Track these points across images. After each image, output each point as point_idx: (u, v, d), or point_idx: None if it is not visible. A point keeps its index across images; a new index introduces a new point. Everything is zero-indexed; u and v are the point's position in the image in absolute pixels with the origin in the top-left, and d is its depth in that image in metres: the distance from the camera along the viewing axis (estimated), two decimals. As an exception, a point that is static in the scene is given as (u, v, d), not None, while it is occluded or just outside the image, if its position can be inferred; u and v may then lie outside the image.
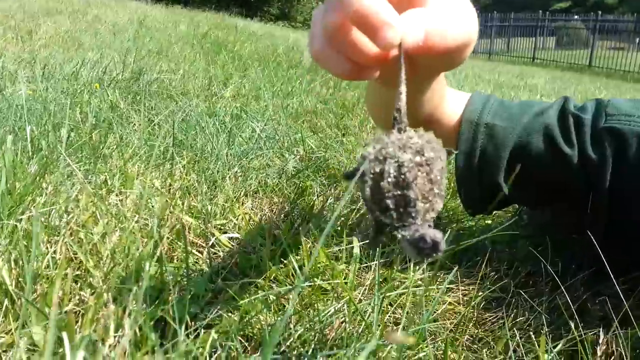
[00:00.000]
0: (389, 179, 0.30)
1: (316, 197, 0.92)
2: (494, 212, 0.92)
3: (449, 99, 0.67)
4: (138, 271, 0.51)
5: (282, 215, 0.85)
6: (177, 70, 1.97)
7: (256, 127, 1.22)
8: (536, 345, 0.51)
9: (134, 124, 1.11)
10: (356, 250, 0.69)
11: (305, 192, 0.94)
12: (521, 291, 0.65)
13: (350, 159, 1.16)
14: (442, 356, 0.46)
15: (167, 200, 0.75)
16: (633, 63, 11.96)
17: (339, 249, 0.72)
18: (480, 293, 0.65)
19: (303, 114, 1.58)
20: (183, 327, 0.41)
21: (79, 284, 0.53)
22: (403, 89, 0.32)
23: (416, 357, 0.47)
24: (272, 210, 0.87)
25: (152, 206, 0.72)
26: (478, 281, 0.66)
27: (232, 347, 0.43)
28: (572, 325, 0.55)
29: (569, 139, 0.64)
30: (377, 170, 0.30)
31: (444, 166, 0.32)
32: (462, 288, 0.69)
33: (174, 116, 1.16)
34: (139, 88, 1.44)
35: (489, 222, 0.95)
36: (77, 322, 0.46)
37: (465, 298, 0.67)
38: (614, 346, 0.53)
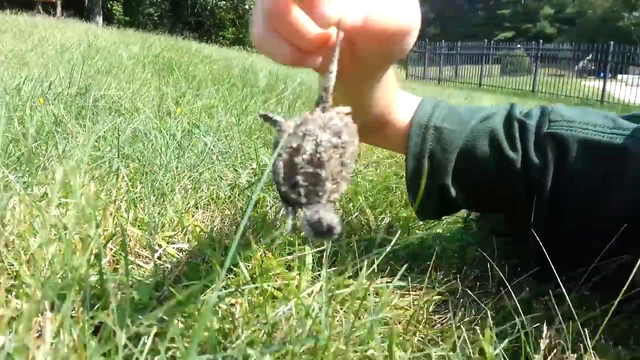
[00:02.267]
0: (304, 156, 0.30)
1: (269, 208, 0.92)
2: (443, 220, 0.94)
3: (401, 103, 0.68)
4: (78, 280, 0.49)
5: (234, 227, 0.83)
6: (127, 89, 1.93)
7: (208, 141, 1.21)
8: (482, 341, 0.52)
9: (78, 138, 1.08)
10: (309, 259, 0.69)
11: (258, 204, 0.93)
12: (470, 291, 0.66)
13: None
14: (388, 354, 0.46)
15: (111, 212, 0.72)
16: (573, 89, 12.71)
17: (291, 258, 0.71)
18: (428, 297, 0.66)
19: (257, 131, 1.58)
20: (123, 330, 0.39)
21: (13, 293, 0.50)
22: (334, 68, 0.32)
23: (364, 355, 0.47)
24: (224, 222, 0.85)
25: (95, 218, 0.69)
26: (426, 285, 0.67)
27: (175, 349, 0.42)
28: (518, 322, 0.56)
29: (514, 144, 0.67)
30: (294, 145, 0.31)
31: (355, 151, 0.33)
32: (413, 293, 0.70)
33: (120, 130, 1.13)
34: (85, 103, 1.40)
35: (439, 230, 0.97)
36: (10, 330, 0.44)
37: (415, 302, 0.67)
38: (556, 340, 0.55)
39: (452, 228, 0.97)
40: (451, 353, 0.51)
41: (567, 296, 0.58)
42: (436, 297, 0.67)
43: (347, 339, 0.45)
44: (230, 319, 0.51)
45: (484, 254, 0.73)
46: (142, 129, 1.17)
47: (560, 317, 0.56)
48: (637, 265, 0.52)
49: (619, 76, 12.63)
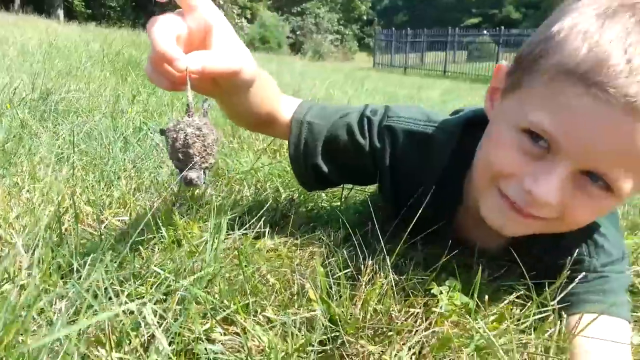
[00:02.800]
0: (179, 142, 0.56)
1: (200, 190, 1.15)
2: (328, 191, 1.20)
3: (283, 105, 0.93)
4: (42, 237, 0.73)
5: (169, 205, 1.07)
6: (85, 90, 2.13)
7: (154, 137, 1.44)
8: (318, 267, 0.77)
9: (42, 138, 1.29)
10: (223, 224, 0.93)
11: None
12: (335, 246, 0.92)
13: (235, 162, 1.40)
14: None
15: (66, 193, 0.95)
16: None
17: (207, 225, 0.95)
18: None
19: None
20: (77, 269, 0.63)
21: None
22: (189, 92, 0.58)
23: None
24: (162, 201, 1.09)
25: (56, 198, 0.92)
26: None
27: (111, 282, 0.66)
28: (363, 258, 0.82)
29: (363, 133, 0.92)
30: (174, 136, 0.57)
31: (215, 139, 0.58)
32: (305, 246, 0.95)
33: (77, 130, 1.35)
34: (46, 107, 1.61)
35: (338, 204, 1.23)
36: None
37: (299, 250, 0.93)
38: (380, 275, 0.81)
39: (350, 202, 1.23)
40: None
41: (416, 250, 0.84)
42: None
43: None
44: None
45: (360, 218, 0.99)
46: (96, 128, 1.39)
47: (387, 255, 0.82)
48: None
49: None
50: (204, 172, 0.61)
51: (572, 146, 0.63)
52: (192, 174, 0.58)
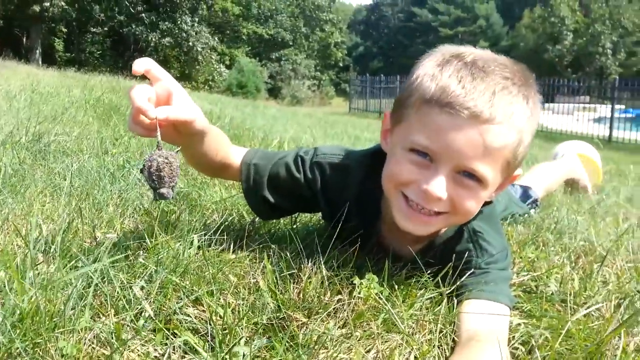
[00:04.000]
0: (153, 168, 0.80)
1: (176, 215, 1.37)
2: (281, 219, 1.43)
3: (233, 153, 1.17)
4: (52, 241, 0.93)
5: (150, 227, 1.28)
6: (71, 133, 2.35)
7: (136, 173, 1.66)
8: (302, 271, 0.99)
9: (38, 174, 1.50)
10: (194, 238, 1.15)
11: (169, 213, 1.39)
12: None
13: (206, 193, 1.63)
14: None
15: (67, 215, 1.16)
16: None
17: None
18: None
19: (180, 165, 2.03)
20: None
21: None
22: (159, 136, 0.82)
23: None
24: (143, 224, 1.30)
25: (58, 219, 1.13)
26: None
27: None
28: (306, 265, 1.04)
29: (298, 169, 1.16)
30: (149, 164, 0.80)
31: (178, 165, 0.82)
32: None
33: (69, 167, 1.56)
34: (40, 148, 1.82)
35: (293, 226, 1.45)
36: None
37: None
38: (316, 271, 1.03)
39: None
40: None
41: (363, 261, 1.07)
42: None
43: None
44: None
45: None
46: (85, 166, 1.60)
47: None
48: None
49: (547, 105, 13.81)
50: (172, 188, 0.85)
51: (444, 152, 0.92)
52: (164, 190, 0.82)
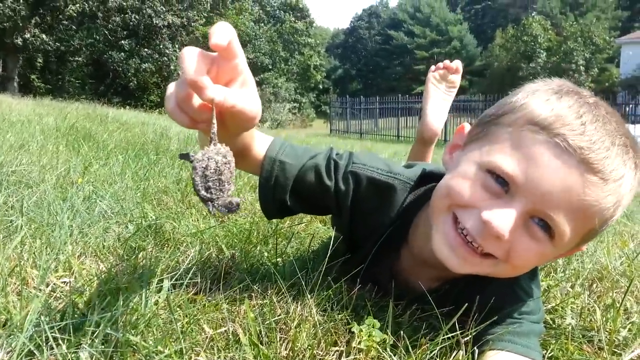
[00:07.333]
0: (210, 170, 0.61)
1: (145, 253, 1.21)
2: (269, 248, 1.28)
3: (257, 141, 0.96)
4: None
5: (115, 268, 1.12)
6: (37, 162, 2.17)
7: (103, 205, 1.49)
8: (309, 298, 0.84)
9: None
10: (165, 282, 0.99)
11: (137, 249, 1.23)
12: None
13: (181, 225, 1.47)
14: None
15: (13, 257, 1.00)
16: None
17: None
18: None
19: (153, 194, 1.88)
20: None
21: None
22: (214, 122, 0.63)
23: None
24: (108, 264, 1.14)
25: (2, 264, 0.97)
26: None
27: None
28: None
29: (330, 175, 0.98)
30: (204, 165, 0.61)
31: (234, 166, 0.63)
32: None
33: (26, 199, 1.40)
34: (-2, 179, 1.65)
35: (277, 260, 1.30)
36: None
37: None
38: (307, 317, 0.88)
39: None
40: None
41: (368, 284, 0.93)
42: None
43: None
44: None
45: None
46: (45, 199, 1.44)
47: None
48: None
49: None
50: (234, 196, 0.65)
51: (530, 187, 0.75)
52: (232, 199, 0.61)
